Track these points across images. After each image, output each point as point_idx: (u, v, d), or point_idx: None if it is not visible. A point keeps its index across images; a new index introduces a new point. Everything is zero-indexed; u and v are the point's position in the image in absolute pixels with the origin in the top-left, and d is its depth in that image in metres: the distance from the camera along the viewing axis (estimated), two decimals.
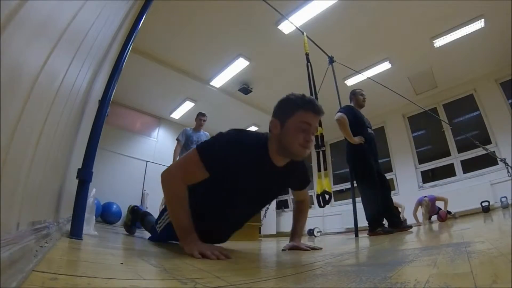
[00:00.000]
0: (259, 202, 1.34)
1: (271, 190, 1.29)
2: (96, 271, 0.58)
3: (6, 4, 0.30)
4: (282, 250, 1.45)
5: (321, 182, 2.55)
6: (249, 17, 4.25)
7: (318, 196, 2.54)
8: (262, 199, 1.33)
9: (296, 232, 1.54)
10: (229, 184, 1.14)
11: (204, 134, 4.33)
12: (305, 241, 1.89)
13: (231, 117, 7.37)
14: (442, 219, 4.72)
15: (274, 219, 7.44)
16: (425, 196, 5.06)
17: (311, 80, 2.93)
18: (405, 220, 5.10)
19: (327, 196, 2.50)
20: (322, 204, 2.50)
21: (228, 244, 1.69)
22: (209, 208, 1.19)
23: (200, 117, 4.42)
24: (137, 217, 2.23)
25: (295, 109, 1.11)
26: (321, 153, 2.63)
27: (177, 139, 4.23)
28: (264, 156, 1.15)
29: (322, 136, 2.70)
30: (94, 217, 1.67)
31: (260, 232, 5.73)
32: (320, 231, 6.44)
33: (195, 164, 1.06)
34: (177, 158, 3.50)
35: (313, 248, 1.41)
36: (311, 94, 2.90)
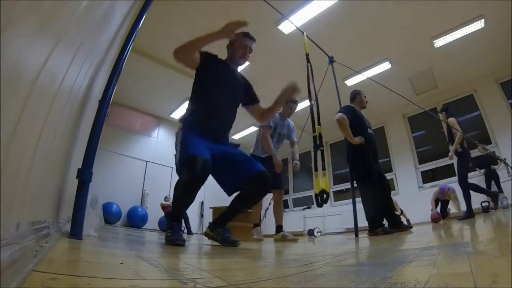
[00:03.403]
0: (233, 91, 1.92)
1: (236, 83, 1.95)
2: (96, 271, 0.58)
3: (6, 4, 0.30)
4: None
5: (318, 182, 2.55)
6: (249, 17, 4.24)
7: (316, 195, 2.54)
8: (234, 89, 1.92)
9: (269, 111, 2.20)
10: (212, 75, 1.79)
11: (291, 123, 3.32)
12: (305, 241, 1.89)
13: None
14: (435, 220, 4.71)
15: (273, 219, 7.44)
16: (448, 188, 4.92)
17: (310, 81, 2.92)
18: (408, 220, 5.11)
19: (325, 196, 2.50)
20: (320, 203, 2.51)
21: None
22: (205, 98, 1.79)
23: (291, 104, 3.22)
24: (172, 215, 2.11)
25: (240, 37, 1.93)
26: (319, 152, 2.64)
27: (268, 126, 3.02)
28: (224, 61, 1.93)
29: (320, 135, 2.70)
30: (103, 221, 1.68)
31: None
32: (320, 231, 6.43)
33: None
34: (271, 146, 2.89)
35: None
36: (311, 94, 2.89)
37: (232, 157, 1.71)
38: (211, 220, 3.62)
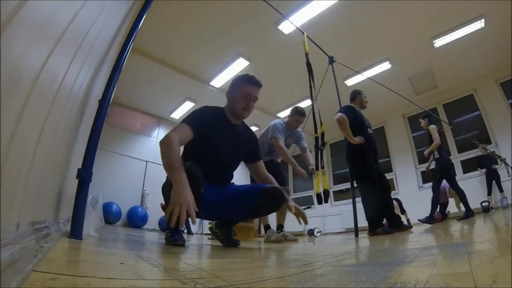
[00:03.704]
0: (232, 152, 1.67)
1: (236, 141, 1.66)
2: (96, 271, 0.58)
3: (6, 4, 0.30)
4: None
5: (318, 181, 2.56)
6: (249, 17, 4.25)
7: (318, 194, 2.55)
8: (233, 150, 1.67)
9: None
10: (207, 139, 1.52)
11: (300, 132, 3.21)
12: (305, 241, 1.89)
13: None
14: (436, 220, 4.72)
15: (273, 219, 7.44)
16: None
17: (310, 81, 2.93)
18: (408, 220, 5.10)
19: (323, 195, 2.52)
20: (320, 202, 2.52)
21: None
22: (200, 160, 1.49)
23: (297, 117, 3.07)
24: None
25: (241, 83, 1.59)
26: (319, 152, 2.65)
27: (279, 138, 2.91)
28: (224, 117, 1.62)
29: (323, 135, 2.70)
30: (103, 221, 1.69)
31: (260, 232, 5.73)
32: (320, 231, 6.44)
33: (184, 127, 1.45)
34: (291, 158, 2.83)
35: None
36: (311, 94, 2.90)
37: (233, 192, 1.64)
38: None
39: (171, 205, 1.08)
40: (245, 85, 1.57)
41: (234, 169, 1.74)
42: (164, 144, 1.35)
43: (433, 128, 4.38)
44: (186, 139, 1.44)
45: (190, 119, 1.48)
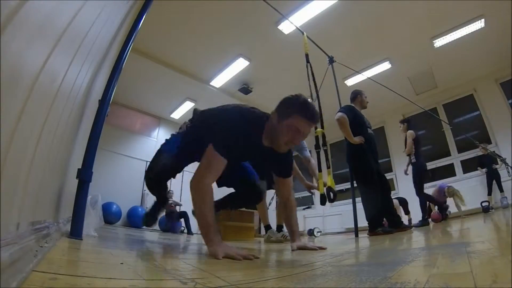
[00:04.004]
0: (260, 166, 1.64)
1: (263, 159, 1.49)
2: (96, 271, 0.58)
3: (6, 4, 0.30)
4: (292, 250, 1.46)
5: (321, 183, 2.56)
6: (249, 17, 4.25)
7: (322, 195, 2.57)
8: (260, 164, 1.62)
9: (295, 231, 1.58)
10: (236, 156, 1.31)
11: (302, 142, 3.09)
12: (305, 240, 1.89)
13: None
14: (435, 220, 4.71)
15: (274, 219, 7.45)
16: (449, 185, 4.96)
17: (310, 81, 2.92)
18: (410, 220, 5.09)
19: (331, 194, 2.52)
20: (327, 201, 2.53)
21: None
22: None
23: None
24: (152, 214, 2.11)
25: (294, 112, 1.22)
26: (322, 152, 2.64)
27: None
28: (258, 139, 1.33)
29: (324, 135, 2.70)
30: (103, 221, 1.69)
31: (260, 232, 5.73)
32: (320, 231, 6.43)
33: (218, 160, 1.19)
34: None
35: (320, 248, 1.47)
36: (311, 94, 2.89)
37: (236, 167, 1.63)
38: None
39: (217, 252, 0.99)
40: (298, 117, 1.22)
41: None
42: (198, 194, 1.15)
43: (409, 133, 4.50)
44: (221, 171, 1.23)
45: (223, 145, 1.21)
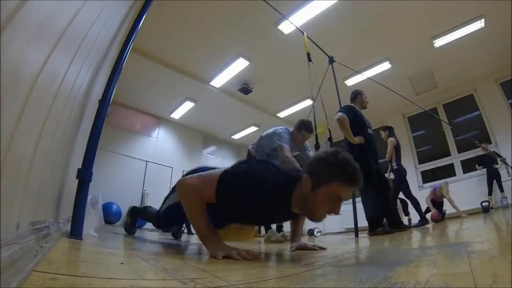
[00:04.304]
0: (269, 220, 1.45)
1: (280, 217, 1.37)
2: (96, 271, 0.58)
3: (6, 4, 0.30)
4: (291, 250, 1.45)
5: None
6: (249, 17, 4.25)
7: None
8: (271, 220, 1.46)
9: (297, 232, 1.58)
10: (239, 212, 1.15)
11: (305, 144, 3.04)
12: (305, 240, 1.89)
13: (231, 117, 7.37)
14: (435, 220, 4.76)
15: None
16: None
17: (312, 80, 2.92)
18: (410, 220, 5.10)
19: None
20: None
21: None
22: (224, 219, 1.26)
23: (304, 133, 2.89)
24: (138, 215, 2.22)
25: (333, 178, 1.00)
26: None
27: (286, 147, 2.74)
28: (285, 204, 1.11)
29: (330, 138, 2.73)
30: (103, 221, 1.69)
31: (259, 232, 5.73)
32: (320, 231, 6.43)
33: (211, 188, 1.04)
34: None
35: (320, 248, 1.45)
36: (311, 94, 2.89)
37: None
38: None
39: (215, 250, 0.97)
40: (339, 183, 1.00)
41: None
42: (186, 201, 1.08)
43: (390, 141, 4.73)
44: (208, 200, 1.07)
45: (229, 188, 1.05)
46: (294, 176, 1.11)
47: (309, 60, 2.96)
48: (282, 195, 1.08)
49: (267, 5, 3.07)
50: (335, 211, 1.03)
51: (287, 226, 2.94)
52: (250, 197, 1.03)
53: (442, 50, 4.98)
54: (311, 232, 6.47)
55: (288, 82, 5.68)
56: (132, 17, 1.78)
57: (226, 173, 1.07)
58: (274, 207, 1.10)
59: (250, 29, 4.49)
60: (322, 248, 1.45)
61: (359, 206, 2.95)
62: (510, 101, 5.38)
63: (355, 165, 1.04)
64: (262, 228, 4.08)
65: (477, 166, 5.21)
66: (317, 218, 1.06)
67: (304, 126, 2.85)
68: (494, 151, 4.89)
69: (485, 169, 5.05)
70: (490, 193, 4.96)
